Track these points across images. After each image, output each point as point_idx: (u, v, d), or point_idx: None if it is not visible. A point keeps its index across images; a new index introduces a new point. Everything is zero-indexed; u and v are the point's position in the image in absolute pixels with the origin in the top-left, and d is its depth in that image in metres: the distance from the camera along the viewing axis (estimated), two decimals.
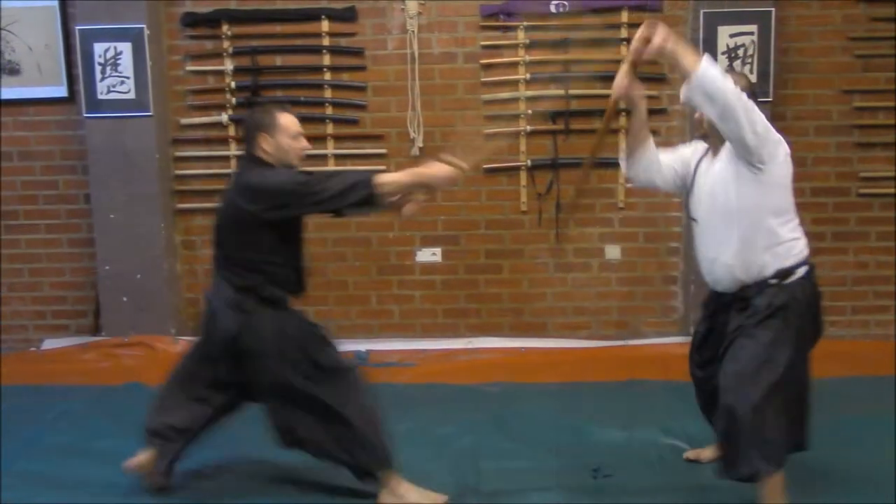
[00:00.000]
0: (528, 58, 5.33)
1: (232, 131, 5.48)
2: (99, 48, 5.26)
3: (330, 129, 5.46)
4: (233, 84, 5.42)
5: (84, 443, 4.06)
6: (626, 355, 5.28)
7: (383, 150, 5.46)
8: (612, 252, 5.52)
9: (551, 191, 5.43)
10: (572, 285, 5.56)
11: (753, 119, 2.86)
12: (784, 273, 3.03)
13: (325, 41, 5.40)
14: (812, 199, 5.39)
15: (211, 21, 5.40)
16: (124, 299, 5.50)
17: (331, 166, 5.46)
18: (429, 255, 5.57)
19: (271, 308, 3.29)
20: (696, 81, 2.81)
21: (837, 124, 5.38)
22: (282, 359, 3.25)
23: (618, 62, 5.19)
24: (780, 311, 3.01)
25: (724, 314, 3.21)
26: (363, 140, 5.47)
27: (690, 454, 3.75)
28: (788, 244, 3.05)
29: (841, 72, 5.33)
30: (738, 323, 3.10)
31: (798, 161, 5.27)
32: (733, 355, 3.04)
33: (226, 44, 5.40)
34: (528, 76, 5.33)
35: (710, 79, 2.80)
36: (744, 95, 2.86)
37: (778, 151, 2.98)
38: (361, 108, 5.45)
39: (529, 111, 5.36)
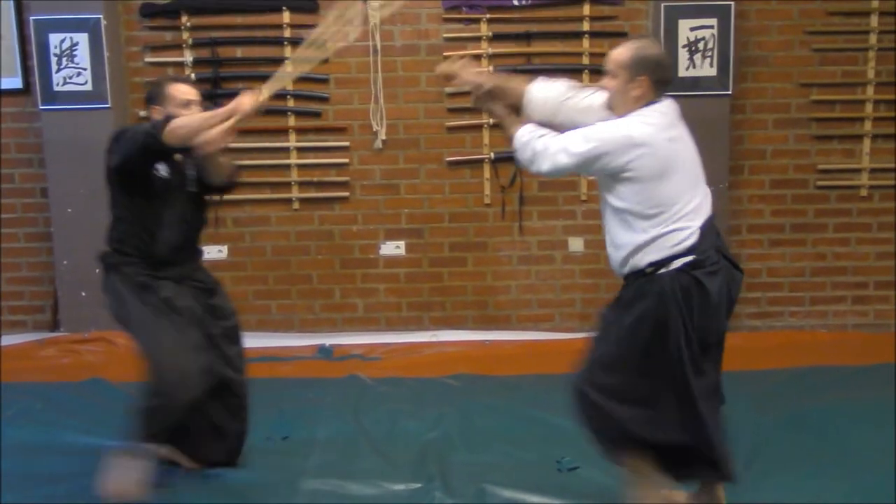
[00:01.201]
0: (491, 50, 5.33)
1: None
2: (54, 39, 5.16)
3: (292, 121, 5.42)
4: (193, 76, 5.34)
5: (47, 439, 3.98)
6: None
7: (346, 143, 5.43)
8: (576, 244, 5.55)
9: (515, 183, 5.44)
10: (536, 278, 5.58)
11: (564, 146, 2.86)
12: (657, 264, 2.90)
13: (287, 32, 5.34)
14: (771, 192, 5.49)
15: (170, 12, 5.32)
16: (83, 294, 5.40)
17: (293, 159, 5.42)
18: (392, 248, 5.55)
19: (113, 271, 3.35)
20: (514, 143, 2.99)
21: (796, 117, 5.45)
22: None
23: (580, 55, 5.31)
24: (638, 301, 2.95)
25: None
26: (326, 133, 5.44)
27: None
28: (663, 238, 2.88)
29: (799, 65, 5.41)
30: (603, 311, 3.18)
31: (757, 153, 5.46)
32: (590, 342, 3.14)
33: (185, 35, 5.33)
34: (491, 68, 5.33)
35: (517, 142, 2.98)
36: (540, 136, 2.92)
37: (623, 156, 2.81)
38: (324, 100, 5.41)
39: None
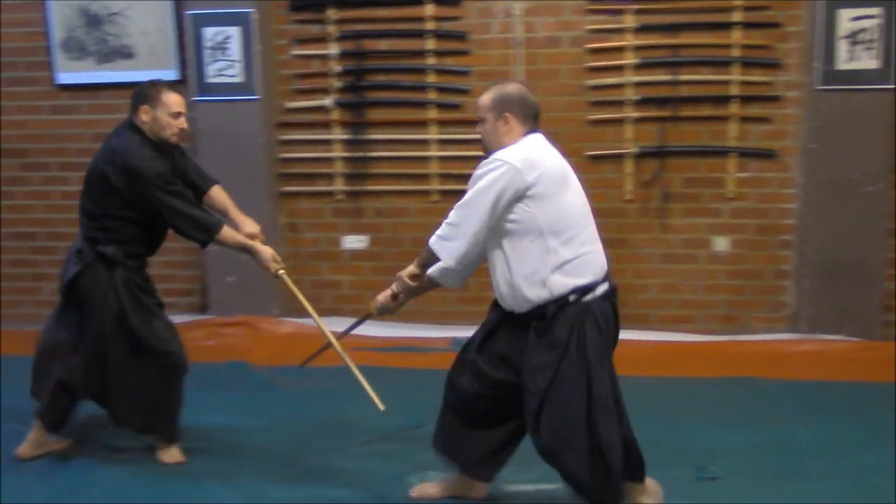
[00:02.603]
0: (636, 42, 5.17)
1: (336, 115, 5.51)
2: (208, 32, 5.36)
3: (433, 113, 5.43)
4: (337, 68, 5.44)
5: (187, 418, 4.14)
6: (732, 351, 5.10)
7: None
8: (721, 243, 5.33)
9: (657, 179, 5.28)
10: (678, 277, 5.40)
11: (450, 224, 2.96)
12: (581, 290, 2.93)
13: (429, 25, 5.36)
14: None
15: (317, 5, 5.43)
16: (230, 280, 5.60)
17: (433, 151, 5.44)
18: None
19: (102, 263, 3.51)
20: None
21: None
22: (102, 312, 3.52)
23: (729, 47, 5.09)
24: (574, 334, 2.92)
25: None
26: (466, 125, 5.40)
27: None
28: (580, 259, 2.93)
29: None
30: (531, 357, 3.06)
31: None
32: None
33: (331, 28, 5.42)
34: (636, 61, 5.18)
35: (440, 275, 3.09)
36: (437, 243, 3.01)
37: (527, 176, 2.85)
38: (464, 92, 5.39)
39: (636, 97, 5.22)
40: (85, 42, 5.65)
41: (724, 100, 5.15)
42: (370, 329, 5.28)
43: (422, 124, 5.43)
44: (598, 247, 3.01)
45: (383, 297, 3.28)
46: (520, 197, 2.86)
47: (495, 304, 3.13)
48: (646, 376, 4.73)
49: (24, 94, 5.82)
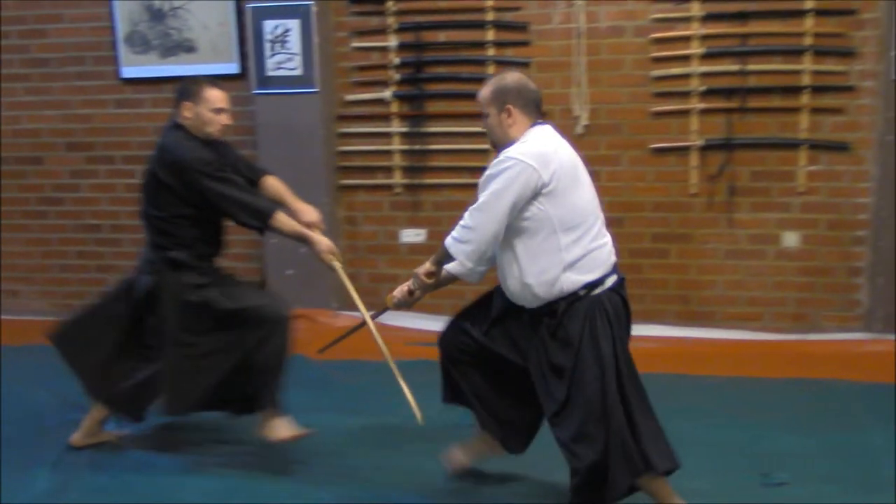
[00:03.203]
0: (702, 31, 5.01)
1: (395, 108, 5.47)
2: (269, 25, 5.35)
3: None
4: (396, 60, 5.39)
5: None
6: (802, 350, 4.93)
7: None
8: (790, 239, 5.14)
9: (724, 172, 5.11)
10: (745, 273, 5.23)
11: (466, 226, 2.93)
12: (591, 285, 2.93)
13: (489, 16, 5.27)
14: None
15: None
16: (289, 272, 5.61)
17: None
18: None
19: (174, 270, 3.49)
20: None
21: None
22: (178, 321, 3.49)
23: (802, 35, 4.90)
24: (586, 329, 2.91)
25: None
26: None
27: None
28: (592, 254, 2.92)
29: None
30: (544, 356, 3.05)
31: None
32: None
33: (390, 20, 5.37)
34: (702, 51, 5.02)
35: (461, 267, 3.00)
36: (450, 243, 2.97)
37: (543, 173, 2.81)
38: None
39: (702, 88, 5.06)
40: (148, 36, 5.70)
41: (794, 90, 4.96)
42: (423, 322, 5.29)
43: (480, 116, 5.34)
44: (607, 240, 3.01)
45: (399, 291, 3.28)
46: (536, 195, 2.82)
47: (500, 290, 3.11)
48: (711, 376, 4.62)
49: (90, 89, 5.90)
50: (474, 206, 2.89)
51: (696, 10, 5.00)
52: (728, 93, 5.03)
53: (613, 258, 3.00)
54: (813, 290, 5.13)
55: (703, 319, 5.28)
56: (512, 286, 2.97)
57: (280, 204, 3.65)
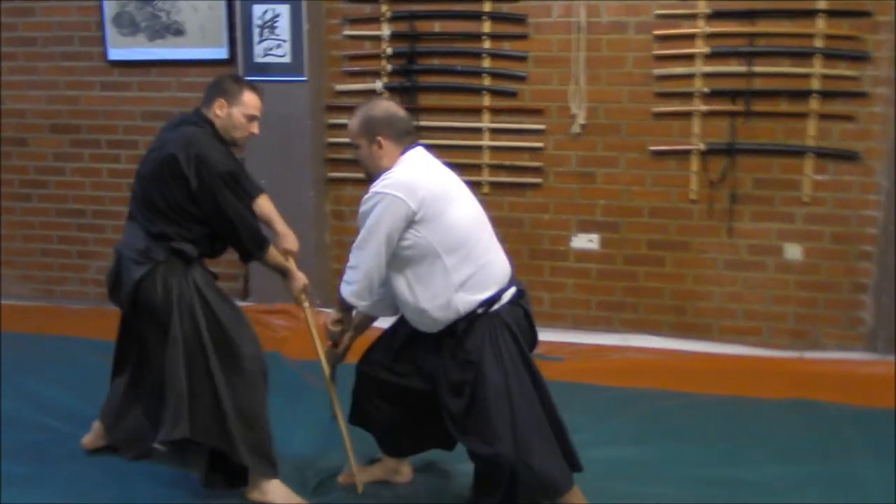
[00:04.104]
0: (708, 29, 4.77)
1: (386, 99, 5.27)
2: (258, 10, 5.16)
3: (487, 100, 5.13)
4: (389, 50, 5.19)
5: None
6: (800, 369, 4.68)
7: (542, 126, 5.07)
8: (793, 252, 4.90)
9: (725, 179, 4.88)
10: (744, 285, 4.99)
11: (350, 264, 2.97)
12: (488, 302, 2.92)
13: (486, 7, 5.05)
14: None
15: None
16: None
17: (485, 141, 5.14)
18: (585, 241, 5.15)
19: (179, 261, 3.24)
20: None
21: None
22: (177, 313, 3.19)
23: (812, 36, 4.65)
24: (488, 346, 2.92)
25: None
26: (521, 114, 5.11)
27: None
28: (482, 271, 2.92)
29: None
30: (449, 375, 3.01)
31: None
32: None
33: (384, 7, 5.17)
34: (707, 50, 4.78)
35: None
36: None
37: (411, 203, 2.83)
38: (521, 79, 5.07)
39: (706, 89, 4.82)
40: (136, 18, 5.52)
41: (803, 95, 4.71)
42: None
43: (475, 111, 5.14)
44: (497, 254, 2.99)
45: (327, 351, 3.31)
46: (409, 224, 2.84)
47: (403, 319, 3.10)
48: (702, 394, 4.38)
49: (77, 70, 5.74)
50: (355, 245, 2.93)
51: (701, 7, 4.76)
52: (733, 95, 4.80)
53: (508, 270, 2.99)
54: (814, 305, 4.89)
55: (698, 332, 5.05)
56: (410, 314, 2.98)
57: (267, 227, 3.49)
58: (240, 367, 3.22)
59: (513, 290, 2.96)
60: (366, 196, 2.89)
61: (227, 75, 3.45)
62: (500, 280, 2.93)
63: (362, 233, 2.88)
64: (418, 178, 2.87)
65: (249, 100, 3.28)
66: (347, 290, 2.98)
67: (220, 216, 3.19)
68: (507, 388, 2.82)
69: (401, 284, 2.93)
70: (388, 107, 3.03)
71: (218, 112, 3.25)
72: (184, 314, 3.19)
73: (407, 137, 2.99)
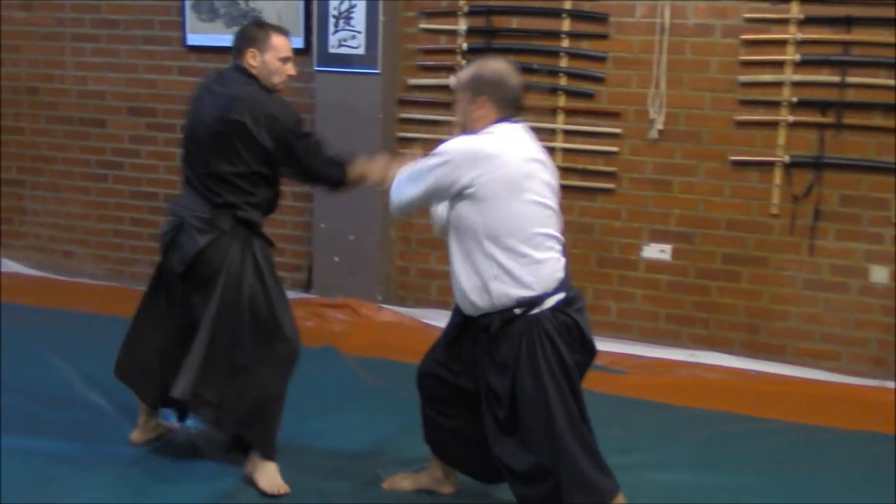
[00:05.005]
0: (800, 35, 4.53)
1: None
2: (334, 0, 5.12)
3: (562, 101, 4.99)
4: (465, 45, 5.08)
5: None
6: (880, 399, 4.41)
7: (618, 130, 4.90)
8: (879, 274, 4.62)
9: (810, 194, 4.63)
10: (824, 307, 4.74)
11: (409, 173, 2.87)
12: (527, 303, 2.73)
13: (567, 4, 4.90)
14: None
15: None
16: (336, 259, 5.39)
17: (559, 143, 5.00)
18: (657, 251, 4.97)
19: (246, 230, 3.23)
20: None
21: None
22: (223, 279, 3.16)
23: None
24: (522, 355, 2.76)
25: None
26: (597, 116, 4.95)
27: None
28: (527, 269, 2.73)
29: None
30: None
31: None
32: None
33: (461, 2, 5.06)
34: (797, 57, 4.54)
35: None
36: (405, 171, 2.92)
37: (472, 170, 2.69)
38: (599, 80, 4.91)
39: (794, 99, 4.58)
40: (216, 4, 5.55)
41: None
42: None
43: (549, 112, 5.00)
44: (552, 255, 2.78)
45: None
46: (459, 194, 2.73)
47: (456, 308, 2.99)
48: (771, 419, 4.16)
49: (156, 54, 5.80)
50: (410, 170, 2.89)
51: (794, 11, 4.52)
52: (823, 106, 4.55)
53: (560, 276, 2.78)
54: None
55: (771, 352, 4.82)
56: (454, 286, 2.87)
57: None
58: (273, 346, 3.21)
59: (559, 295, 2.76)
60: (442, 143, 2.81)
61: (250, 23, 3.41)
62: (545, 283, 2.74)
63: (417, 168, 2.83)
64: (490, 155, 2.71)
65: (279, 42, 3.23)
66: (400, 189, 2.90)
67: (299, 165, 3.22)
68: (544, 397, 2.70)
69: (453, 247, 2.84)
70: (503, 70, 2.85)
71: (252, 62, 3.20)
72: (230, 281, 3.17)
73: (510, 107, 2.83)
